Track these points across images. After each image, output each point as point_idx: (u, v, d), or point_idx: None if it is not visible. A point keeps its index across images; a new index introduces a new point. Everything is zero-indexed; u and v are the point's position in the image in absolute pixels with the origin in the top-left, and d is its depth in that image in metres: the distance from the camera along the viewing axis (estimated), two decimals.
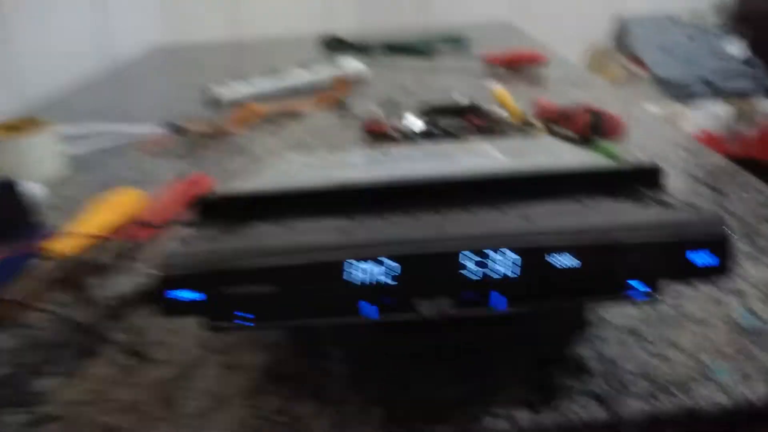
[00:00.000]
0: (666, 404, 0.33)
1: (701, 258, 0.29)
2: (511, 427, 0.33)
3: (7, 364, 0.41)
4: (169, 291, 0.30)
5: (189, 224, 0.33)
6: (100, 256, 0.53)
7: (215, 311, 0.30)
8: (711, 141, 1.86)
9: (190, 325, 0.44)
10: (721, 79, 2.05)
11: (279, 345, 0.41)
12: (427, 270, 0.29)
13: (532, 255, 0.29)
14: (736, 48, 2.16)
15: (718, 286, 0.43)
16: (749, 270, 0.45)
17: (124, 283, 0.51)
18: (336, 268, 0.29)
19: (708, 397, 0.33)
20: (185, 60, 1.53)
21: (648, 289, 0.30)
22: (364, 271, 0.29)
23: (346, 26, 1.67)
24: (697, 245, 0.28)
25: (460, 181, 0.34)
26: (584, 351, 0.37)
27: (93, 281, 0.51)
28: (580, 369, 0.36)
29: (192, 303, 0.29)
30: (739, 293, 0.42)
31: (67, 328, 0.44)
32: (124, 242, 0.56)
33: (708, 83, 2.04)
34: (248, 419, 0.35)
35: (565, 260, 0.29)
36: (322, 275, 0.29)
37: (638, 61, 2.12)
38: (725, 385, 0.34)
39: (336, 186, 0.33)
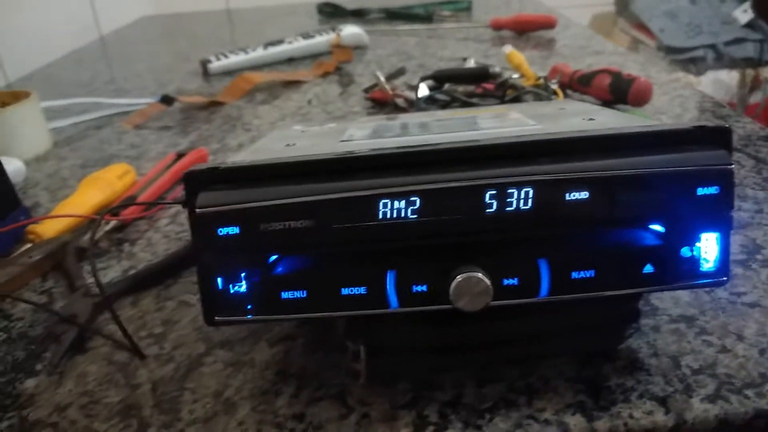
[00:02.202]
0: (737, 406, 0.29)
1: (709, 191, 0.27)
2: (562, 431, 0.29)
3: None
4: (206, 226, 0.28)
5: (191, 198, 0.28)
6: (88, 238, 0.48)
7: (250, 246, 0.28)
8: None
9: (190, 315, 0.40)
10: (726, 45, 1.99)
11: (290, 339, 0.36)
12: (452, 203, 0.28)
13: (545, 187, 0.27)
14: (741, 13, 2.10)
15: None
16: None
17: (116, 268, 0.46)
18: (370, 203, 0.27)
19: None
20: (175, 29, 1.46)
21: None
22: (393, 208, 0.28)
23: None
24: (709, 180, 0.27)
25: (497, 146, 0.29)
26: (638, 345, 0.33)
27: (81, 266, 0.46)
28: (635, 366, 0.32)
29: (228, 238, 0.28)
30: None
31: (53, 320, 0.40)
32: (115, 223, 0.51)
33: (714, 49, 1.98)
34: (260, 425, 0.31)
35: (575, 194, 0.27)
36: (356, 210, 0.28)
37: (642, 28, 2.06)
38: None
39: (366, 153, 0.29)
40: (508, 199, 0.27)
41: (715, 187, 0.27)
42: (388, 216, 0.28)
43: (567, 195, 0.27)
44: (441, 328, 0.31)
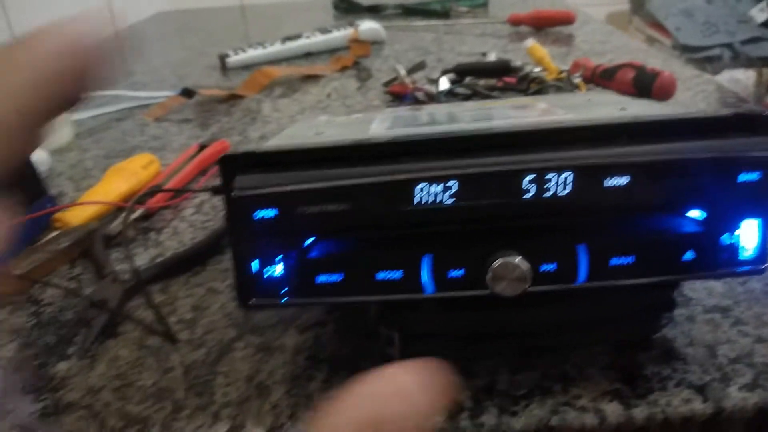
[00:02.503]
0: None
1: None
2: (600, 423, 0.28)
3: (20, 345, 0.37)
4: (243, 210, 0.28)
5: (227, 181, 0.28)
6: (116, 225, 0.49)
7: (286, 229, 0.28)
8: None
9: (219, 301, 0.40)
10: (743, 44, 1.98)
11: (320, 325, 0.36)
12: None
13: (585, 172, 0.27)
14: (758, 12, 2.08)
15: None
16: None
17: (143, 255, 0.46)
18: (407, 187, 0.27)
19: None
20: (191, 25, 1.46)
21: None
22: (430, 193, 0.27)
23: None
24: (751, 166, 0.27)
25: (536, 132, 0.29)
26: (672, 335, 0.33)
27: (108, 253, 0.46)
28: (671, 355, 0.31)
29: (264, 221, 0.28)
30: None
31: (83, 305, 0.40)
32: (141, 212, 0.51)
33: (730, 48, 1.96)
34: (294, 408, 0.31)
35: (615, 179, 0.27)
36: (393, 194, 0.27)
37: (658, 27, 2.05)
38: None
39: (405, 138, 0.29)
40: (547, 185, 0.27)
41: (757, 174, 0.27)
42: (425, 201, 0.28)
43: (606, 180, 0.27)
44: (476, 315, 0.31)
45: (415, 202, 0.27)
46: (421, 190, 0.27)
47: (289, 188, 0.28)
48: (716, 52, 1.97)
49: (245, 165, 0.29)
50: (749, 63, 1.96)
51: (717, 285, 0.36)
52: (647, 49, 0.94)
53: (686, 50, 1.96)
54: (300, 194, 0.28)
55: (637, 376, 0.30)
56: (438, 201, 0.27)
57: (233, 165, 0.29)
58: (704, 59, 1.95)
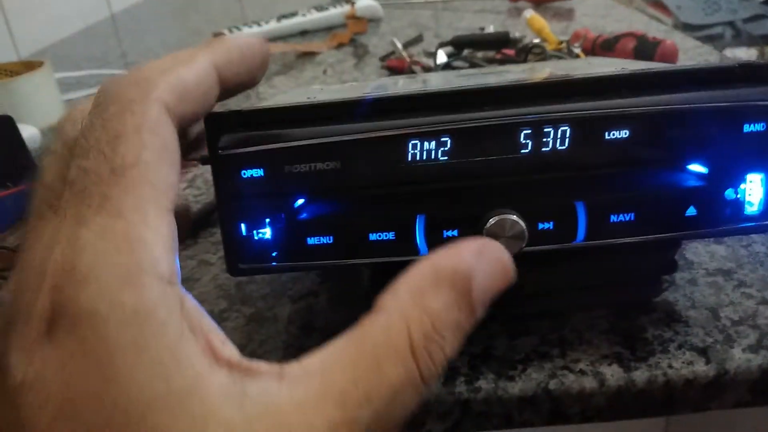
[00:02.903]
0: None
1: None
2: (599, 385, 0.28)
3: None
4: (229, 169, 0.27)
5: (213, 141, 0.27)
6: None
7: (275, 190, 0.27)
8: None
9: (210, 273, 0.39)
10: (745, 22, 1.95)
11: (312, 295, 0.36)
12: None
13: (583, 124, 0.26)
14: None
15: None
16: None
17: None
18: (398, 143, 0.26)
19: None
20: (186, 6, 1.45)
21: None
22: (423, 149, 0.26)
23: None
24: (756, 116, 0.26)
25: (533, 86, 0.28)
26: (674, 298, 0.32)
27: None
28: (672, 318, 0.31)
29: (252, 181, 0.27)
30: None
31: None
32: None
33: (732, 26, 1.94)
34: None
35: (614, 132, 0.26)
36: (384, 151, 0.26)
37: (659, 5, 2.02)
38: None
39: (394, 95, 0.28)
40: (544, 139, 0.26)
41: (762, 124, 0.26)
42: (418, 158, 0.27)
43: (606, 133, 0.26)
44: None
45: (408, 159, 0.27)
46: (414, 146, 0.26)
47: (276, 146, 0.27)
48: (718, 30, 1.94)
49: (232, 125, 0.28)
50: (751, 41, 1.94)
51: (720, 248, 0.35)
52: (648, 22, 0.93)
53: (687, 28, 1.94)
54: (288, 152, 0.27)
55: (638, 339, 0.30)
56: (431, 158, 0.26)
57: (219, 125, 0.28)
58: (706, 38, 1.93)
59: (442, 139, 0.26)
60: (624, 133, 0.26)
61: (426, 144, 0.26)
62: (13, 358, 0.17)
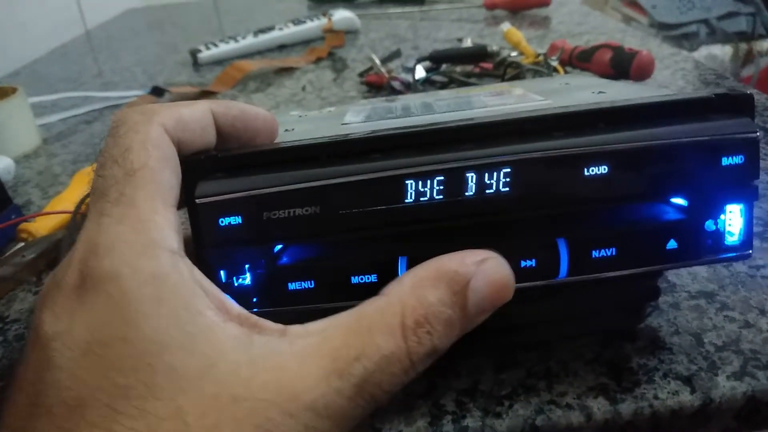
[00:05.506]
0: (764, 382, 0.28)
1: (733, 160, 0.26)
2: (587, 420, 0.28)
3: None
4: (207, 217, 0.26)
5: (189, 188, 0.26)
6: None
7: (253, 236, 0.27)
8: None
9: None
10: (719, 19, 1.98)
11: None
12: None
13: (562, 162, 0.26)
14: None
15: None
16: None
17: None
18: (382, 185, 0.26)
19: None
20: (163, 21, 1.43)
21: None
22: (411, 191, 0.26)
23: None
24: (734, 149, 0.26)
25: (511, 122, 0.27)
26: (658, 324, 0.32)
27: None
28: (656, 345, 0.31)
29: (230, 228, 0.26)
30: None
31: None
32: None
33: (706, 24, 1.97)
34: None
35: (594, 168, 0.26)
36: (364, 194, 0.26)
37: (634, 5, 2.04)
38: None
39: (367, 135, 0.27)
40: (523, 177, 0.26)
41: (740, 157, 0.26)
42: (400, 200, 0.26)
43: (585, 170, 0.26)
44: None
45: (391, 201, 0.26)
46: (398, 188, 0.26)
47: (253, 192, 0.26)
48: (693, 28, 1.97)
49: (208, 170, 0.27)
50: (726, 38, 1.96)
51: (701, 269, 0.36)
52: (625, 28, 0.93)
53: (663, 28, 1.96)
54: (265, 198, 0.26)
55: (623, 369, 0.30)
56: (415, 199, 0.26)
57: (195, 171, 0.27)
58: (681, 36, 1.95)
59: (427, 180, 0.26)
60: (603, 169, 0.26)
61: (410, 185, 0.26)
62: (45, 316, 0.20)
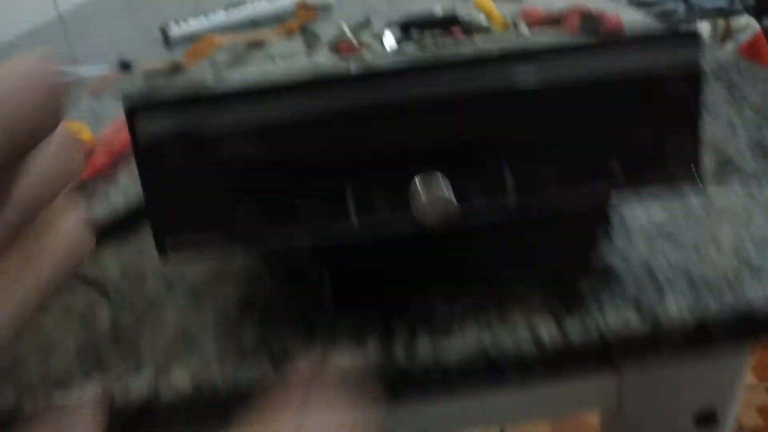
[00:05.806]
0: (713, 309, 0.28)
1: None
2: (536, 344, 0.28)
3: None
4: (149, 151, 0.26)
5: (132, 124, 0.26)
6: None
7: (197, 171, 0.27)
8: None
9: (151, 265, 0.38)
10: None
11: (253, 274, 0.35)
12: None
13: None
14: None
15: (751, 181, 0.38)
16: None
17: None
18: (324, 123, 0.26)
19: (760, 294, 0.29)
20: (136, 1, 1.42)
21: None
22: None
23: None
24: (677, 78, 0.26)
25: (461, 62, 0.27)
26: (608, 253, 0.32)
27: None
28: (607, 275, 0.31)
29: (173, 161, 0.26)
30: None
31: None
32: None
33: (684, 1, 1.97)
34: (223, 355, 0.29)
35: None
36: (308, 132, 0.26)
37: None
38: None
39: (325, 74, 0.27)
40: (470, 103, 0.26)
41: (686, 85, 0.26)
42: (345, 135, 0.26)
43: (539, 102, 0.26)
44: (406, 247, 0.30)
45: (335, 135, 0.26)
46: (341, 123, 0.26)
47: (195, 127, 0.26)
48: (671, 6, 1.97)
49: (151, 106, 0.27)
50: (704, 15, 1.97)
51: (654, 203, 0.36)
52: (606, 5, 0.93)
53: (641, 5, 1.96)
54: (207, 132, 0.26)
55: (573, 295, 0.30)
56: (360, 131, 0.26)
57: (137, 106, 0.27)
58: (660, 13, 1.96)
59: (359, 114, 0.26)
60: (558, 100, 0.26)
61: (353, 121, 0.26)
62: None
